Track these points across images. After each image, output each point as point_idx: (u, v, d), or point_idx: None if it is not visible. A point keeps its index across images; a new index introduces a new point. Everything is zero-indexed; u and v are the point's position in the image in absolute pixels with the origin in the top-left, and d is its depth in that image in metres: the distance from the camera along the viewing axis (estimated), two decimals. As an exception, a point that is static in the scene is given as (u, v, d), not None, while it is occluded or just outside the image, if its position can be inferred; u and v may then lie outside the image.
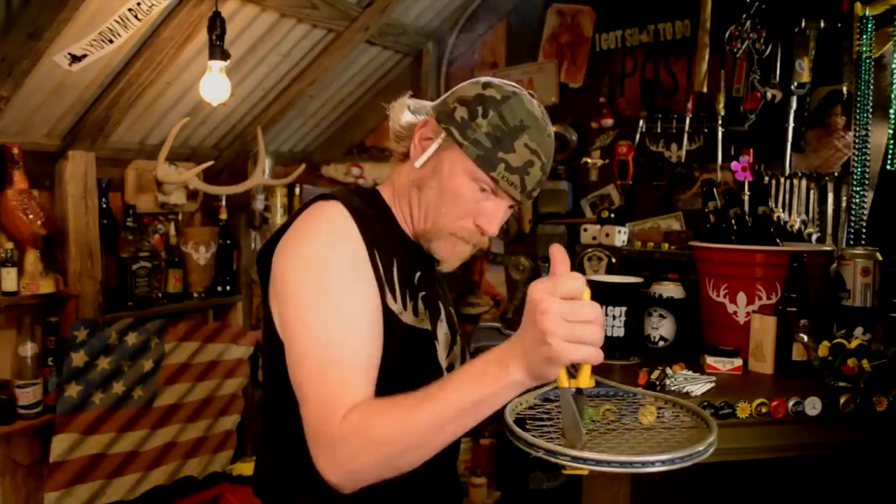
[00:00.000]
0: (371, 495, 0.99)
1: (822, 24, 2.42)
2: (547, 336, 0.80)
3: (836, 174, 2.44)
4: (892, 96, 2.27)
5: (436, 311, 1.22)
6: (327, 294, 1.01)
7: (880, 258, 2.03)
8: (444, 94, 1.19)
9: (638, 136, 2.94)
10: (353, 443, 0.91)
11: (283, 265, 1.06)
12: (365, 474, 0.94)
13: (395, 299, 1.11)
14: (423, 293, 1.18)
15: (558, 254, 0.83)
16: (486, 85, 1.14)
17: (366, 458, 0.92)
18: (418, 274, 1.19)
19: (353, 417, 0.92)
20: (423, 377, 0.98)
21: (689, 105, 2.77)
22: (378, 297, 1.07)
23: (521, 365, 0.84)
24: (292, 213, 1.12)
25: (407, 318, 1.13)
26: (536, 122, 1.13)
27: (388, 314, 1.08)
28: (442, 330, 1.23)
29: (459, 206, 1.13)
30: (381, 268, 1.09)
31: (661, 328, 1.96)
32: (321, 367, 0.97)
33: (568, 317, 0.80)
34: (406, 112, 1.18)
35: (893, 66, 2.29)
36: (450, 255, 1.18)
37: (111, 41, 2.15)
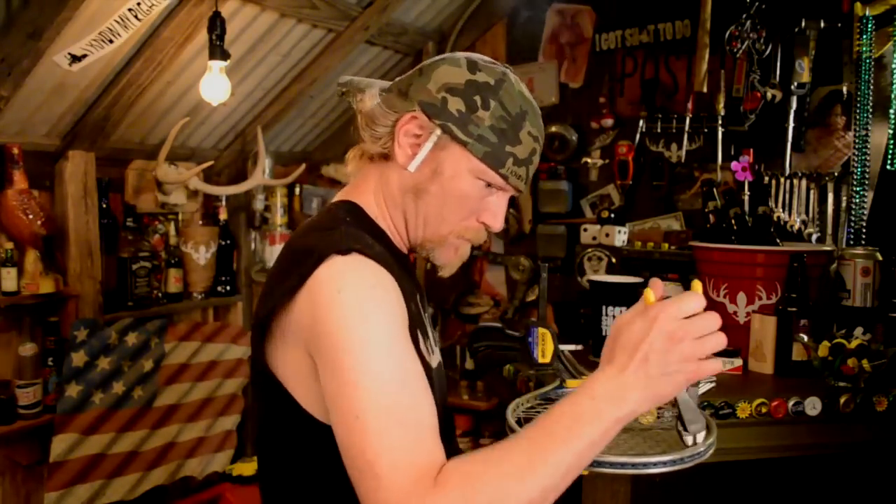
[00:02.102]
0: None
1: (822, 24, 2.42)
2: (687, 363, 0.80)
3: (836, 174, 2.44)
4: (892, 96, 2.27)
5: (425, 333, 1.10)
6: (388, 354, 0.87)
7: (880, 258, 2.03)
8: (414, 78, 1.03)
9: (638, 136, 2.94)
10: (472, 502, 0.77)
11: (339, 338, 0.87)
12: None
13: (426, 345, 1.03)
14: (425, 316, 1.11)
15: (657, 285, 0.85)
16: (472, 67, 1.02)
17: None
18: (417, 295, 1.09)
19: (453, 482, 0.78)
20: (439, 415, 0.91)
21: (689, 105, 2.77)
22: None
23: (643, 396, 0.80)
24: (295, 266, 0.93)
25: (433, 360, 1.06)
26: (531, 105, 1.04)
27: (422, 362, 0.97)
28: (437, 351, 1.14)
29: (465, 208, 1.03)
30: (410, 312, 0.97)
31: (661, 328, 1.97)
32: (393, 429, 0.82)
33: (699, 334, 0.80)
34: (375, 103, 1.03)
35: (893, 66, 2.29)
36: (452, 259, 1.09)
37: (111, 41, 2.15)
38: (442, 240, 1.06)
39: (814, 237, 2.42)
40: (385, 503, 0.79)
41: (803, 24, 2.42)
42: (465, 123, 0.99)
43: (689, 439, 0.87)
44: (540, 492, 0.79)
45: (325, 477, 0.96)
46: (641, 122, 2.91)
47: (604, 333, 1.90)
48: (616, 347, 0.82)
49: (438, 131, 1.00)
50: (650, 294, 0.83)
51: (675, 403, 0.87)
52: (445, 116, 1.00)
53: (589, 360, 1.93)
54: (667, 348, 0.79)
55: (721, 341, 0.81)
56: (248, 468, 2.96)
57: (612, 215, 2.90)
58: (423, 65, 1.05)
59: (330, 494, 0.97)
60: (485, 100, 1.00)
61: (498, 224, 1.07)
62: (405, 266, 1.09)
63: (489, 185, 1.03)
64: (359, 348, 0.85)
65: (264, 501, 1.09)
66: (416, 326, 0.98)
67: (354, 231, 0.98)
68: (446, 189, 1.02)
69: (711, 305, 2.02)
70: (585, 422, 0.80)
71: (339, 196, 1.11)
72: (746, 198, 2.40)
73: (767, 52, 2.48)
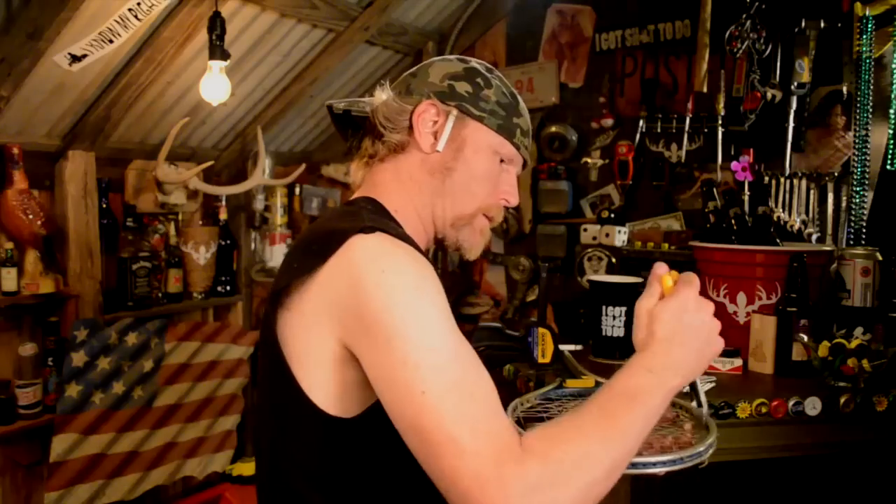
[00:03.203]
0: None
1: (822, 24, 2.42)
2: (716, 337, 0.91)
3: (836, 174, 2.44)
4: (892, 96, 2.27)
5: None
6: (445, 330, 0.86)
7: (880, 258, 2.03)
8: (410, 80, 1.10)
9: (638, 136, 2.94)
10: (556, 472, 0.77)
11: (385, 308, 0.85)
12: None
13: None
14: None
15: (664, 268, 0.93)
16: (463, 60, 1.13)
17: (570, 492, 0.77)
18: None
19: (539, 447, 0.78)
20: None
21: (689, 105, 2.77)
22: None
23: (691, 368, 0.89)
24: (317, 245, 0.92)
25: None
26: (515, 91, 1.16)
27: None
28: None
29: (486, 184, 1.09)
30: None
31: (661, 328, 1.96)
32: (466, 402, 0.81)
33: (713, 312, 0.92)
34: (390, 97, 1.08)
35: (893, 66, 2.29)
36: (478, 240, 1.13)
37: (111, 41, 2.15)
38: (469, 218, 1.10)
39: (814, 237, 2.42)
40: (475, 472, 0.76)
41: (803, 24, 2.42)
42: (476, 101, 1.08)
43: (705, 407, 1.01)
44: (620, 456, 0.82)
45: (316, 469, 0.96)
46: (641, 122, 2.91)
47: (604, 333, 1.90)
48: (656, 328, 0.88)
49: (455, 111, 1.06)
50: (668, 279, 0.91)
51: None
52: (458, 98, 1.07)
53: (589, 360, 1.93)
54: (699, 324, 0.89)
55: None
56: (248, 468, 2.96)
57: (612, 215, 2.90)
58: (414, 69, 1.13)
59: (321, 479, 0.96)
60: (486, 80, 1.10)
61: (515, 199, 1.13)
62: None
63: (502, 161, 1.10)
64: (415, 327, 0.84)
65: (258, 473, 1.07)
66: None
67: (377, 217, 0.99)
68: (470, 165, 1.07)
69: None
70: (647, 393, 0.84)
71: (354, 196, 1.12)
72: (746, 198, 2.40)
73: (767, 52, 2.48)
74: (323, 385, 0.92)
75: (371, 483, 0.96)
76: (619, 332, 1.85)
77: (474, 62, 1.13)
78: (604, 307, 1.88)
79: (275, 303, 0.96)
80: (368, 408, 0.92)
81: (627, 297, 1.89)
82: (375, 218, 0.98)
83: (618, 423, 0.82)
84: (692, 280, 0.91)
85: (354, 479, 0.95)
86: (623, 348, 1.90)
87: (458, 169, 1.07)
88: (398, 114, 1.06)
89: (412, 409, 0.81)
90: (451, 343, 0.85)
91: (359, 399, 0.92)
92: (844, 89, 2.45)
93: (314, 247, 0.92)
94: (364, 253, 0.88)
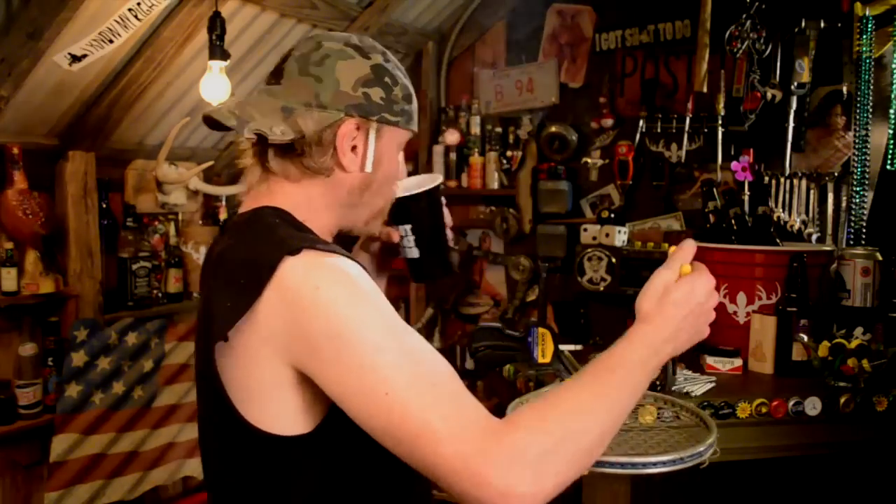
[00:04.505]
0: None
1: (822, 24, 2.42)
2: (707, 325, 0.94)
3: (836, 174, 2.44)
4: (892, 96, 2.27)
5: None
6: (392, 329, 0.87)
7: (880, 258, 2.03)
8: (314, 85, 0.99)
9: (638, 136, 2.94)
10: (543, 439, 0.79)
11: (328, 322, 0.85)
12: (560, 477, 0.80)
13: None
14: None
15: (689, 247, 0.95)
16: (361, 52, 1.01)
17: (563, 455, 0.80)
18: None
19: (524, 419, 0.81)
20: None
21: (689, 105, 2.77)
22: None
23: (680, 345, 0.92)
24: (245, 278, 0.89)
25: None
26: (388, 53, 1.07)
27: None
28: None
29: (395, 182, 1.11)
30: None
31: (661, 328, 1.96)
32: (428, 392, 0.82)
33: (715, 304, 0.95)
34: (322, 126, 0.98)
35: (893, 66, 2.29)
36: (380, 223, 1.15)
37: (111, 41, 2.15)
38: (381, 212, 1.11)
39: (814, 237, 2.42)
40: (455, 452, 0.77)
41: (803, 24, 2.42)
42: (391, 105, 1.02)
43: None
44: (610, 426, 0.84)
45: (274, 494, 0.94)
46: (641, 122, 2.91)
47: (406, 257, 1.32)
48: (666, 302, 0.90)
49: (375, 125, 1.01)
50: (687, 267, 0.93)
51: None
52: (377, 109, 1.01)
53: (589, 359, 1.93)
54: (703, 311, 0.92)
55: None
56: (248, 468, 2.96)
57: (612, 215, 2.90)
58: (312, 68, 1.00)
59: None
60: (392, 77, 1.03)
61: (404, 174, 1.13)
62: None
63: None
64: (360, 333, 0.84)
65: None
66: None
67: (292, 231, 0.95)
68: (387, 173, 1.05)
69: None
70: (643, 366, 0.87)
71: (251, 203, 1.03)
72: (746, 198, 2.40)
73: (767, 52, 2.48)
74: (275, 411, 0.91)
75: (332, 497, 0.95)
76: (414, 254, 1.31)
77: (372, 53, 1.02)
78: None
79: (210, 341, 0.91)
80: (321, 422, 0.92)
81: (410, 210, 1.34)
82: (292, 233, 0.94)
83: (611, 395, 0.84)
84: (705, 272, 0.93)
85: (313, 496, 0.94)
86: (426, 266, 1.33)
87: (376, 180, 1.04)
88: (328, 136, 0.98)
89: (380, 412, 0.81)
90: (399, 339, 0.86)
91: (312, 415, 0.91)
92: (844, 89, 2.45)
93: (242, 280, 0.89)
94: (294, 276, 0.87)
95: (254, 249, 0.91)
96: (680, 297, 0.90)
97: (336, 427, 0.90)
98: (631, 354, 0.87)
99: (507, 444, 0.77)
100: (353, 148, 1.00)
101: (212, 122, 1.05)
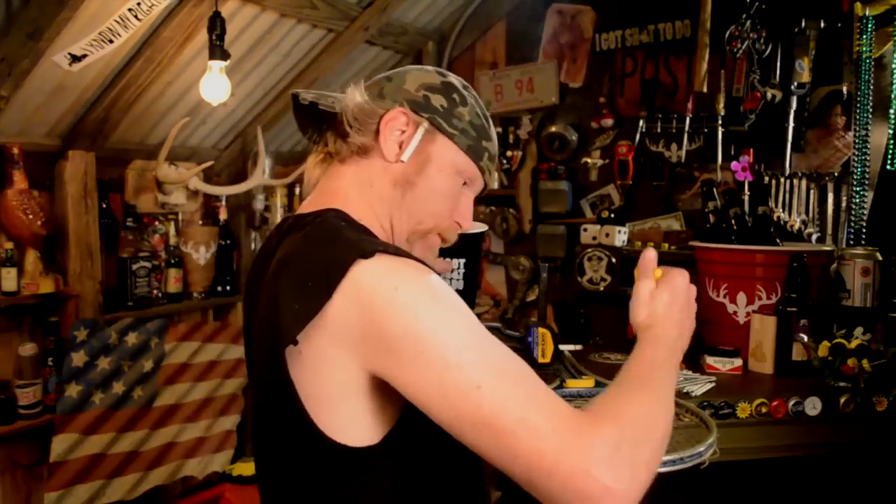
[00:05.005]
0: None
1: (822, 24, 2.42)
2: (695, 307, 0.98)
3: (836, 174, 2.44)
4: (892, 96, 2.27)
5: None
6: (474, 327, 0.86)
7: (880, 258, 2.03)
8: (384, 83, 1.05)
9: (638, 136, 2.94)
10: (631, 434, 0.79)
11: (402, 323, 0.83)
12: (651, 469, 0.81)
13: None
14: None
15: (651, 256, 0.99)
16: (441, 73, 1.07)
17: (649, 448, 0.82)
18: None
19: (604, 413, 0.81)
20: None
21: (689, 105, 2.77)
22: None
23: (683, 342, 0.97)
24: (313, 282, 0.86)
25: None
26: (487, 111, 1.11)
27: None
28: None
29: (446, 204, 1.06)
30: None
31: (661, 328, 1.96)
32: (521, 384, 0.81)
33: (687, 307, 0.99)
34: (364, 99, 1.02)
35: (893, 66, 2.29)
36: (428, 256, 1.09)
37: (111, 41, 2.15)
38: (424, 234, 1.07)
39: (814, 237, 2.42)
40: (557, 447, 0.76)
41: (803, 24, 2.42)
42: (450, 117, 1.03)
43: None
44: (670, 413, 0.88)
45: (339, 494, 0.91)
46: (641, 122, 2.91)
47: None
48: (658, 306, 0.96)
49: (426, 123, 1.02)
50: (659, 271, 0.98)
51: None
52: (431, 110, 1.03)
53: (589, 359, 1.93)
54: (689, 303, 0.98)
55: None
56: (248, 468, 2.96)
57: (612, 215, 2.90)
58: (390, 73, 1.08)
59: None
60: (462, 97, 1.05)
61: (469, 223, 1.10)
62: None
63: (464, 183, 1.07)
64: (445, 331, 0.83)
65: None
66: None
67: (360, 234, 0.96)
68: (431, 182, 1.04)
69: (711, 305, 2.02)
70: (668, 361, 0.93)
71: (313, 205, 1.04)
72: (746, 198, 2.40)
73: (767, 52, 2.48)
74: (345, 419, 0.89)
75: None
76: (459, 285, 1.54)
77: (452, 77, 1.07)
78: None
79: (279, 345, 0.88)
80: (388, 433, 0.90)
81: (467, 247, 1.53)
82: (362, 237, 0.94)
83: (657, 387, 0.88)
84: (680, 273, 0.99)
85: None
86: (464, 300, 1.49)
87: (419, 184, 1.03)
88: (367, 116, 1.02)
89: (472, 406, 0.79)
90: (483, 337, 0.85)
91: (380, 425, 0.90)
92: (844, 89, 2.45)
93: (310, 283, 0.87)
94: (372, 278, 0.85)
95: (322, 251, 0.90)
96: (667, 297, 0.95)
97: (403, 439, 0.89)
98: (656, 357, 0.91)
99: (603, 438, 0.77)
100: (401, 142, 1.02)
101: (297, 103, 1.13)
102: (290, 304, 0.87)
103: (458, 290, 1.44)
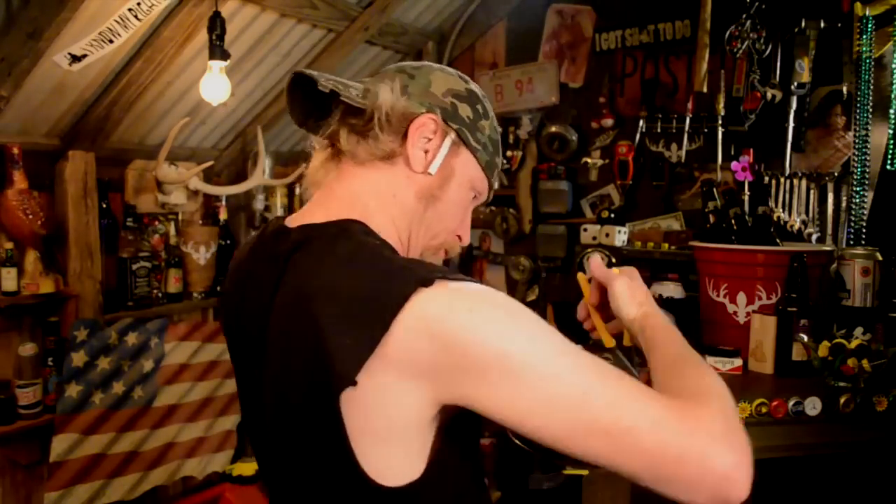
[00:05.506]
0: None
1: (822, 24, 2.42)
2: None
3: (836, 174, 2.44)
4: (892, 96, 2.27)
5: None
6: (552, 333, 0.82)
7: (880, 258, 2.03)
8: (406, 80, 0.97)
9: (638, 136, 2.94)
10: (722, 405, 0.79)
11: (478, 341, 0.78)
12: (746, 441, 0.78)
13: None
14: None
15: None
16: (463, 78, 1.02)
17: (735, 413, 0.81)
18: None
19: (684, 397, 0.80)
20: None
21: (689, 105, 2.77)
22: None
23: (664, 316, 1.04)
24: (364, 313, 0.80)
25: None
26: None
27: None
28: None
29: (458, 218, 1.03)
30: None
31: (661, 328, 1.96)
32: (621, 383, 0.79)
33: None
34: (398, 99, 0.94)
35: (893, 66, 2.29)
36: None
37: (111, 41, 2.15)
38: (436, 249, 1.04)
39: (814, 237, 2.42)
40: (678, 434, 0.74)
41: (803, 24, 2.42)
42: (474, 130, 0.98)
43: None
44: (715, 377, 0.89)
45: None
46: (641, 122, 2.91)
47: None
48: (637, 294, 1.06)
49: (454, 135, 0.97)
50: (616, 269, 1.09)
51: None
52: (459, 121, 0.97)
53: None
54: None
55: None
56: (248, 468, 2.96)
57: (612, 215, 2.90)
58: (409, 69, 0.99)
59: None
60: (485, 109, 1.01)
61: (468, 238, 1.07)
62: None
63: (475, 197, 1.04)
64: (532, 344, 0.79)
65: None
66: None
67: (405, 259, 0.91)
68: (452, 196, 0.99)
69: (711, 305, 2.02)
70: (675, 332, 1.00)
71: (323, 210, 0.96)
72: (746, 198, 2.40)
73: (767, 52, 2.48)
74: (391, 457, 0.84)
75: None
76: None
77: (473, 84, 1.02)
78: None
79: (333, 381, 0.81)
80: (426, 469, 0.86)
81: None
82: (409, 260, 0.89)
83: (698, 359, 0.93)
84: (627, 269, 1.11)
85: None
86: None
87: (441, 199, 0.98)
88: (400, 118, 0.94)
89: (584, 413, 0.76)
90: (568, 342, 0.82)
91: (423, 462, 0.86)
92: (844, 89, 2.45)
93: (361, 316, 0.80)
94: (439, 308, 0.79)
95: (371, 278, 0.83)
96: (636, 283, 1.06)
97: (438, 475, 0.86)
98: (674, 335, 0.98)
99: (712, 415, 0.76)
100: (426, 152, 0.96)
101: (294, 84, 0.99)
102: (342, 338, 0.80)
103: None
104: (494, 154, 1.03)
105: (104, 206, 2.62)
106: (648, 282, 2.05)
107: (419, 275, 0.81)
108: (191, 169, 2.83)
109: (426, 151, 0.96)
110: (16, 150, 2.27)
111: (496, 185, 1.07)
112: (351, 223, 0.93)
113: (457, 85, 0.99)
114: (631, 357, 1.14)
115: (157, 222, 2.87)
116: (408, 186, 0.97)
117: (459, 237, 1.06)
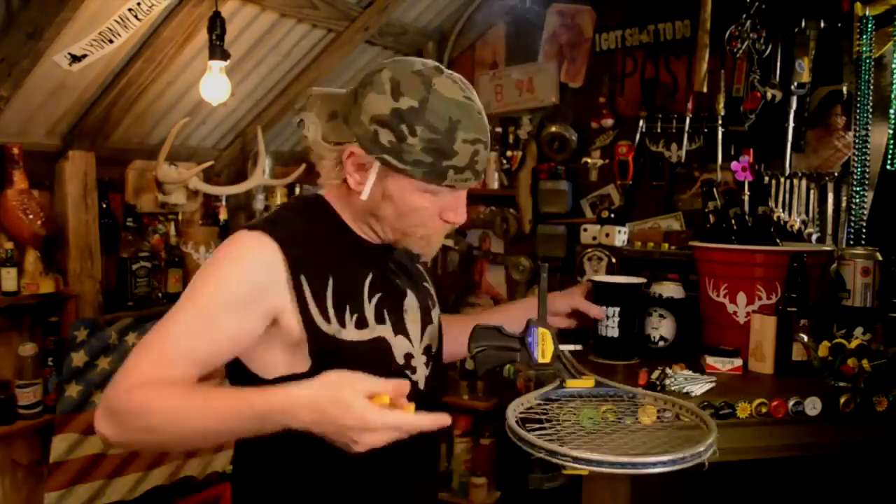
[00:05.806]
0: (349, 489, 1.11)
1: (822, 24, 2.42)
2: (348, 431, 0.91)
3: (836, 174, 2.44)
4: (892, 96, 2.27)
5: (398, 305, 1.19)
6: (201, 300, 1.05)
7: (880, 258, 2.03)
8: (351, 105, 1.09)
9: (638, 136, 2.94)
10: (127, 419, 0.98)
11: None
12: (130, 445, 1.12)
13: (327, 321, 1.09)
14: (378, 295, 1.16)
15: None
16: (395, 93, 1.04)
17: (135, 436, 1.00)
18: (369, 278, 1.16)
19: (136, 395, 0.97)
20: (412, 397, 0.98)
21: (689, 105, 2.77)
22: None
23: (312, 423, 0.92)
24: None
25: (348, 334, 1.11)
26: (463, 109, 1.06)
27: (320, 338, 1.08)
28: (409, 320, 1.21)
29: (422, 216, 1.12)
30: (307, 293, 1.08)
31: (661, 328, 1.96)
32: (148, 346, 1.03)
33: (362, 424, 0.90)
34: (318, 133, 1.11)
35: (893, 66, 2.29)
36: (426, 249, 1.18)
37: (111, 41, 2.15)
38: (409, 238, 1.15)
39: (814, 237, 2.42)
40: (107, 387, 1.00)
41: (803, 24, 2.42)
42: (399, 153, 1.05)
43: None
44: (186, 440, 1.13)
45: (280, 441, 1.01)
46: (641, 122, 2.91)
47: (601, 334, 1.86)
48: (324, 405, 0.92)
49: (377, 164, 1.07)
50: (386, 398, 0.94)
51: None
52: (380, 149, 1.06)
53: (589, 359, 1.92)
54: (340, 413, 0.91)
55: (374, 439, 0.92)
56: (248, 468, 2.96)
57: (612, 215, 2.90)
58: (359, 87, 1.09)
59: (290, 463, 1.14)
60: (411, 127, 1.04)
61: (460, 218, 1.15)
62: (355, 249, 1.17)
63: (439, 192, 1.11)
64: (193, 285, 1.07)
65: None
66: (317, 306, 1.08)
67: (274, 220, 1.13)
68: (399, 207, 1.10)
69: (711, 305, 2.02)
70: (249, 418, 0.96)
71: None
72: (746, 198, 2.39)
73: (767, 52, 2.48)
74: (259, 352, 1.14)
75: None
76: (614, 333, 1.79)
77: (408, 95, 1.03)
78: (604, 307, 1.86)
79: None
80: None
81: (621, 297, 1.85)
82: (279, 215, 1.16)
83: (216, 410, 1.00)
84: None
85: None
86: (622, 348, 1.87)
87: (387, 211, 1.12)
88: (330, 149, 1.11)
89: (157, 326, 1.06)
90: (211, 297, 1.05)
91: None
92: (844, 89, 2.45)
93: None
94: (224, 243, 1.13)
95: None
96: (349, 409, 0.95)
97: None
98: (256, 407, 0.97)
99: (110, 405, 0.99)
100: (363, 174, 1.10)
101: None
102: None
103: (612, 338, 1.74)
104: (440, 160, 1.05)
105: (104, 206, 2.62)
106: (648, 282, 2.05)
107: (255, 224, 1.13)
108: (191, 169, 2.83)
109: (360, 176, 1.10)
110: (16, 150, 2.27)
111: (469, 176, 1.09)
112: (311, 195, 1.21)
113: (382, 108, 1.04)
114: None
115: (157, 222, 2.87)
116: (356, 199, 1.12)
117: (447, 220, 1.14)
